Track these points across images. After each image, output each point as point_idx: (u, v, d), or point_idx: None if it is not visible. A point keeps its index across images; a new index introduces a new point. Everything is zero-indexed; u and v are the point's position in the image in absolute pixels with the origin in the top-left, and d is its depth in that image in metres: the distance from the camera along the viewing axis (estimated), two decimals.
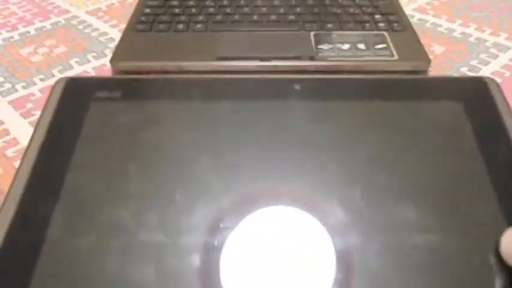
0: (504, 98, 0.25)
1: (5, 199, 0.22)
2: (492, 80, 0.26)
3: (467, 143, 0.23)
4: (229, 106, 0.25)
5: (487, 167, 0.22)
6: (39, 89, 0.40)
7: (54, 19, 0.52)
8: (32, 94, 0.40)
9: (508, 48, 0.44)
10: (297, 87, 0.26)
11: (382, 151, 0.24)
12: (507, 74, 0.41)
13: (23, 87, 0.41)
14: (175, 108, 0.26)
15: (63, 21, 0.51)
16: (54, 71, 0.42)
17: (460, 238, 0.21)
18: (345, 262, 0.20)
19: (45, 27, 0.50)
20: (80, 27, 0.50)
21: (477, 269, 0.20)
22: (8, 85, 0.41)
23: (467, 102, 0.25)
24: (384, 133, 0.24)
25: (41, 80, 0.42)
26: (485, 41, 0.46)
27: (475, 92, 0.26)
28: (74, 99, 0.27)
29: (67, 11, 0.53)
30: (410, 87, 0.26)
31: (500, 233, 0.20)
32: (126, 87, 0.27)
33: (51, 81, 0.41)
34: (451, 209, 0.22)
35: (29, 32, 0.49)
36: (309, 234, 0.21)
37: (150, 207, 0.22)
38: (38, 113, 0.37)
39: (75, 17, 0.52)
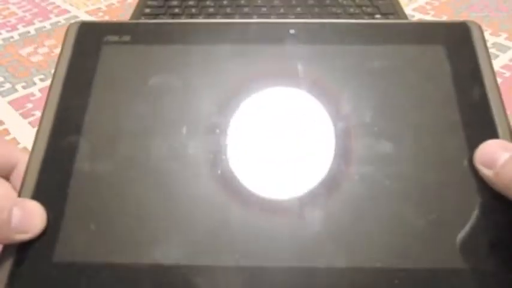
0: (484, 42, 0.27)
1: (35, 138, 0.25)
2: (475, 24, 0.28)
3: (444, 83, 0.25)
4: (235, 49, 0.28)
5: (459, 106, 0.25)
6: (39, 89, 0.40)
7: (54, 19, 0.52)
8: (32, 94, 0.40)
9: (508, 48, 0.44)
10: (292, 31, 0.28)
11: (364, 89, 0.26)
12: (507, 74, 0.41)
13: (23, 87, 0.41)
14: (182, 51, 0.28)
15: (63, 21, 0.51)
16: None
17: (429, 166, 0.24)
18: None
19: (45, 27, 0.50)
20: None
21: (447, 194, 0.23)
22: (8, 85, 0.41)
23: (448, 45, 0.27)
24: (368, 73, 0.26)
25: (41, 80, 0.42)
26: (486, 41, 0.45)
27: (457, 36, 0.27)
28: (87, 43, 0.28)
29: (67, 11, 0.53)
30: (396, 31, 0.28)
31: (463, 162, 0.23)
32: (136, 31, 0.29)
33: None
34: (422, 141, 0.24)
35: (29, 32, 0.49)
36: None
37: (161, 137, 0.25)
38: (38, 113, 0.37)
39: (75, 17, 0.52)
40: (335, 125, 0.25)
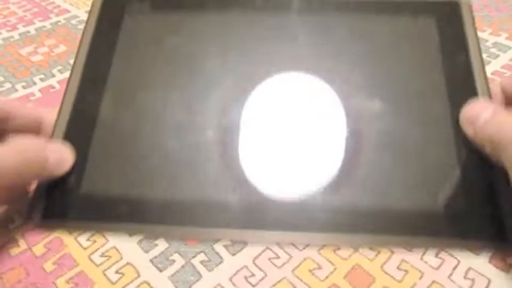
0: (473, 18, 0.31)
1: (63, 96, 0.29)
2: (466, 3, 0.32)
3: (432, 51, 0.29)
4: (250, 17, 0.31)
5: (444, 73, 0.28)
6: (39, 89, 0.40)
7: (54, 19, 0.52)
8: (32, 94, 0.40)
9: (509, 48, 0.44)
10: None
11: (358, 56, 0.29)
12: (508, 73, 0.41)
13: (23, 87, 0.40)
14: (200, 18, 0.31)
15: (63, 21, 0.51)
16: (54, 71, 0.42)
17: (416, 122, 0.27)
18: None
19: (45, 26, 0.50)
20: (80, 26, 0.50)
21: (430, 146, 0.26)
22: (8, 85, 0.41)
23: (439, 18, 0.30)
24: (362, 41, 0.30)
25: (41, 79, 0.41)
26: (486, 40, 0.45)
27: (447, 11, 0.30)
28: (111, 9, 0.32)
29: (67, 11, 0.53)
30: (392, 5, 0.31)
31: (445, 119, 0.27)
32: None
33: (51, 81, 0.41)
34: (410, 100, 0.28)
35: (29, 32, 0.49)
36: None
37: (179, 96, 0.29)
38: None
39: (75, 16, 0.52)
40: (335, 89, 0.28)
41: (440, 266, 0.25)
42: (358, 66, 0.29)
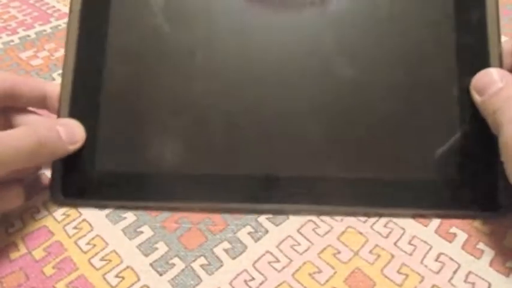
0: None
1: (63, 70, 0.28)
2: None
3: (445, 10, 0.27)
4: None
5: (456, 32, 0.26)
6: None
7: (54, 23, 0.52)
8: None
9: None
10: None
11: (364, 13, 0.27)
12: None
13: None
14: None
15: (63, 25, 0.51)
16: (54, 75, 0.42)
17: (419, 84, 0.26)
18: None
19: (45, 31, 0.50)
20: None
21: (433, 110, 0.25)
22: None
23: None
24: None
25: None
26: None
27: None
28: None
29: (67, 15, 0.53)
30: None
31: (451, 84, 0.26)
32: None
33: None
34: (414, 63, 0.26)
35: (29, 36, 0.49)
36: None
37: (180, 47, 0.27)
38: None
39: None
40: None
41: (440, 269, 0.25)
42: (364, 24, 0.27)
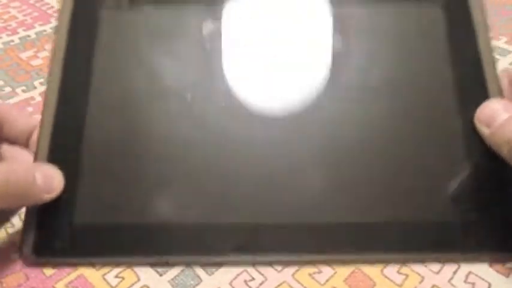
0: (482, 6, 0.28)
1: (44, 104, 0.26)
2: None
3: (439, 45, 0.27)
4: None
5: (452, 66, 0.26)
6: (40, 93, 0.40)
7: (54, 23, 0.52)
8: (32, 98, 0.40)
9: (508, 52, 0.44)
10: None
11: (363, 48, 0.27)
12: None
13: (23, 91, 0.41)
14: (179, 14, 0.29)
15: None
16: None
17: (418, 118, 0.25)
18: None
19: (45, 31, 0.50)
20: None
21: (434, 147, 0.24)
22: (8, 89, 0.41)
23: (445, 8, 0.29)
24: (370, 26, 0.28)
25: (41, 83, 0.42)
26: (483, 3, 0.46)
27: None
28: (86, 9, 0.29)
29: None
30: None
31: (452, 117, 0.25)
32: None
33: None
34: (414, 93, 0.26)
35: (29, 36, 0.49)
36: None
37: (166, 99, 0.26)
38: (38, 116, 0.37)
39: None
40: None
41: (440, 270, 0.25)
42: (363, 58, 0.27)
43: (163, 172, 0.25)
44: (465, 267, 0.25)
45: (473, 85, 0.26)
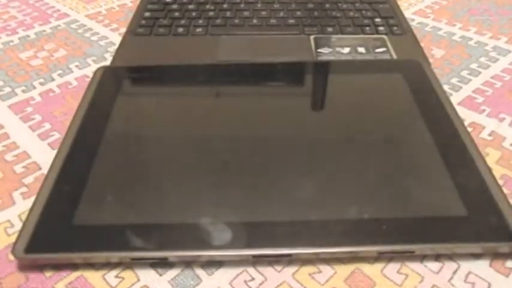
0: (432, 72, 0.37)
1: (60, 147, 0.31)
2: (424, 60, 0.40)
3: (406, 99, 0.35)
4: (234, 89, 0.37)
5: (421, 113, 0.33)
6: (39, 93, 0.40)
7: (54, 23, 0.52)
8: (32, 98, 0.40)
9: (508, 51, 0.44)
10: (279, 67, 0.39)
11: (351, 101, 0.35)
12: (507, 77, 0.41)
13: (23, 91, 0.40)
14: (187, 91, 0.37)
15: (63, 25, 0.51)
16: (54, 75, 0.42)
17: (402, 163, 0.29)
18: None
19: (45, 31, 0.50)
20: (80, 31, 0.50)
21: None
22: (7, 89, 0.41)
23: (406, 74, 0.37)
24: (348, 93, 0.36)
25: (41, 84, 0.41)
26: (485, 44, 0.46)
27: (411, 68, 0.38)
28: (108, 84, 0.37)
29: (67, 15, 0.53)
30: (367, 65, 0.39)
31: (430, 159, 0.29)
32: (148, 73, 0.39)
33: (51, 85, 0.41)
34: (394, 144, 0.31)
35: (28, 36, 0.49)
36: None
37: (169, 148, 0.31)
38: (38, 116, 0.37)
39: (75, 20, 0.52)
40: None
41: (440, 270, 0.25)
42: (345, 111, 0.34)
43: (158, 178, 0.28)
44: (465, 267, 0.25)
45: (442, 125, 0.32)
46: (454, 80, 0.40)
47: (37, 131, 0.36)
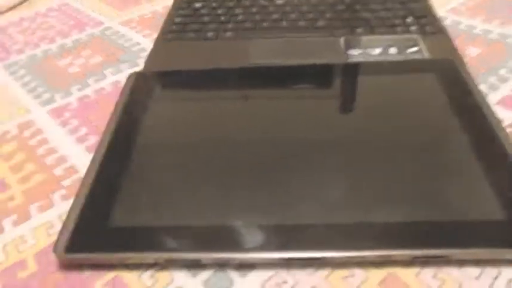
0: (467, 72, 0.36)
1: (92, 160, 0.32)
2: (459, 59, 0.39)
3: (441, 100, 0.34)
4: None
5: (456, 113, 0.32)
6: (76, 99, 0.42)
7: (89, 31, 0.54)
8: (70, 103, 0.41)
9: None
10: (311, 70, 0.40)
11: (383, 103, 0.35)
12: None
13: (61, 97, 0.42)
14: (217, 95, 0.37)
15: (97, 33, 0.53)
16: (90, 81, 0.44)
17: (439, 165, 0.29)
18: None
19: (81, 38, 0.52)
20: (114, 37, 0.52)
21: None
22: (47, 95, 0.43)
23: (440, 74, 0.36)
24: (379, 95, 0.36)
25: (78, 89, 0.43)
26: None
27: (445, 68, 0.37)
28: (140, 89, 0.38)
29: (101, 23, 0.55)
30: (399, 66, 0.39)
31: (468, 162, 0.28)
32: (179, 78, 0.40)
33: (87, 91, 0.43)
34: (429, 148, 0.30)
35: (66, 44, 0.51)
36: None
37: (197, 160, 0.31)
38: (75, 121, 0.39)
39: (109, 28, 0.54)
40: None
41: (480, 275, 0.24)
42: (376, 122, 0.33)
43: (190, 186, 0.29)
44: (506, 273, 0.24)
45: (480, 128, 0.31)
46: (491, 79, 0.39)
47: (74, 135, 0.37)
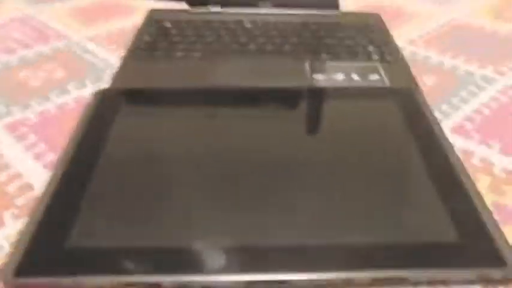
0: (424, 99, 0.38)
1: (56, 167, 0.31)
2: (416, 87, 0.42)
3: (399, 127, 0.36)
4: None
5: (413, 139, 0.34)
6: (36, 113, 0.40)
7: (54, 44, 0.53)
8: (27, 118, 0.40)
9: (495, 80, 0.46)
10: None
11: (345, 127, 0.36)
12: (495, 105, 0.42)
13: (19, 111, 0.41)
14: (181, 114, 0.37)
15: (62, 46, 0.52)
16: (51, 95, 0.43)
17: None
18: None
19: (44, 51, 0.51)
20: (79, 52, 0.51)
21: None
22: (3, 108, 0.41)
23: (399, 101, 0.38)
24: (341, 120, 0.37)
25: (38, 104, 0.42)
26: (473, 74, 0.47)
27: (404, 95, 0.39)
28: (106, 106, 0.37)
29: (67, 37, 0.54)
30: (361, 92, 0.41)
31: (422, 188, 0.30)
32: (145, 96, 0.40)
33: (48, 106, 0.41)
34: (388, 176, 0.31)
35: (27, 56, 0.50)
36: None
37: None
38: (33, 137, 0.37)
39: (74, 42, 0.53)
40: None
41: None
42: (343, 138, 0.34)
43: (151, 204, 0.28)
44: None
45: (436, 153, 0.33)
46: (444, 107, 0.41)
47: (31, 151, 0.36)
